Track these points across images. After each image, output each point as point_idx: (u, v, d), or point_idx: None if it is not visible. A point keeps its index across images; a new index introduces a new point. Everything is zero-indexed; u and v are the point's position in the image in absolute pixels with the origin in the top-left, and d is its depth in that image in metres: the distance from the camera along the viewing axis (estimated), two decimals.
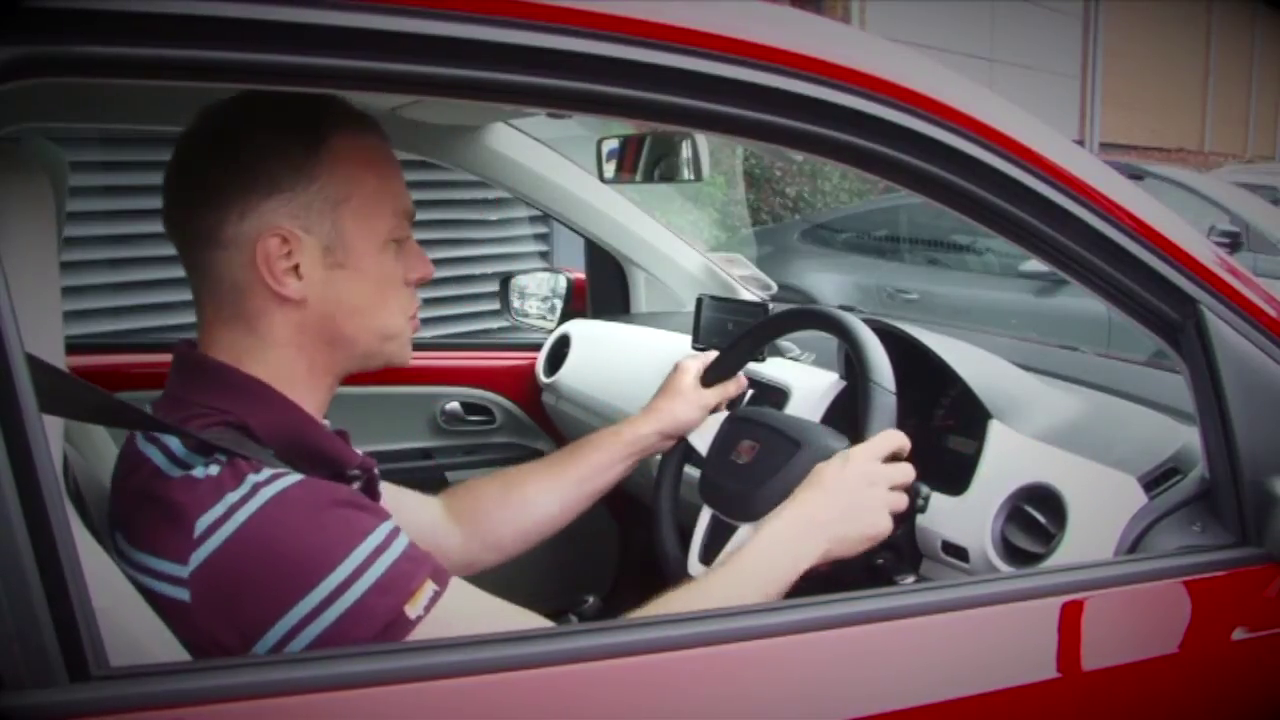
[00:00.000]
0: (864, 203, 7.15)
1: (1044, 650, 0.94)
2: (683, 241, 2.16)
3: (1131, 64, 13.72)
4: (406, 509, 1.16)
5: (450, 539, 1.29)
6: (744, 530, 1.21)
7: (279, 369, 0.96)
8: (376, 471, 1.06)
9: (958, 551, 1.21)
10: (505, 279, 2.30)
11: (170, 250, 0.98)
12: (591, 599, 1.24)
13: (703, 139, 1.76)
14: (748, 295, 2.08)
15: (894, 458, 1.13)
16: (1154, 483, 1.11)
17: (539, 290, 2.26)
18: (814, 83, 0.84)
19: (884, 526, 1.09)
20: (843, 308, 1.43)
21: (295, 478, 0.86)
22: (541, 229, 5.00)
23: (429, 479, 1.96)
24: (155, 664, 0.75)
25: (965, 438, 1.41)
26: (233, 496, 0.84)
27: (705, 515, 1.32)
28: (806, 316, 1.49)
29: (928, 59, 0.94)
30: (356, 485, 1.00)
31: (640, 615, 0.97)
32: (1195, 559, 1.01)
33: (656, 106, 0.82)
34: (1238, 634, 1.01)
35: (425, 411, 2.05)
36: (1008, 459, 1.23)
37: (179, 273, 0.97)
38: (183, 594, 0.82)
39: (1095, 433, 1.25)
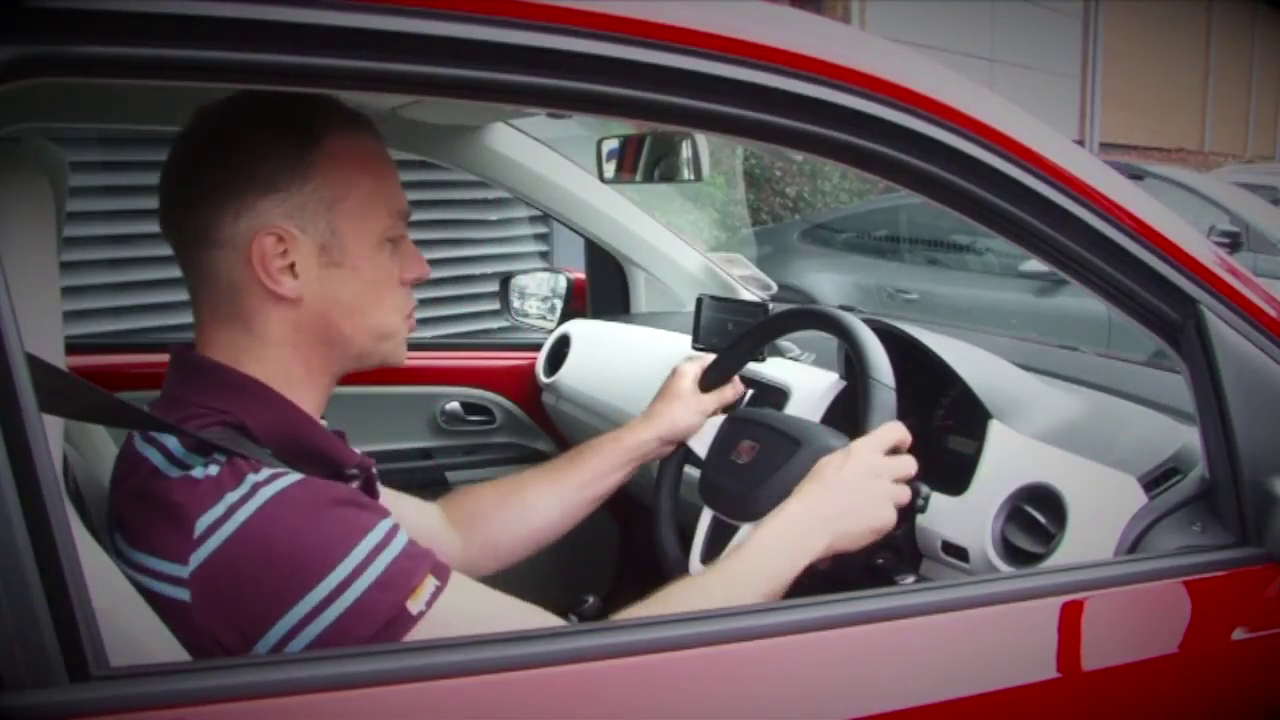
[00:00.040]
0: (864, 203, 7.14)
1: (1044, 650, 0.94)
2: (683, 241, 2.16)
3: (1131, 64, 13.72)
4: (406, 514, 1.16)
5: (450, 545, 1.29)
6: (745, 530, 1.21)
7: (276, 368, 0.96)
8: (374, 471, 1.06)
9: (958, 551, 1.20)
10: (505, 279, 2.29)
11: (170, 250, 0.98)
12: (591, 599, 1.24)
13: (703, 139, 1.76)
14: (748, 295, 2.08)
15: (895, 451, 1.12)
16: (1154, 483, 1.11)
17: (539, 290, 2.26)
18: (814, 83, 0.84)
19: (888, 519, 1.09)
20: (843, 308, 1.43)
21: (295, 477, 0.86)
22: (541, 229, 5.00)
23: (429, 479, 1.96)
24: (155, 664, 0.75)
25: (965, 438, 1.40)
26: (232, 496, 0.84)
27: (706, 516, 1.32)
28: (806, 316, 1.49)
29: (928, 59, 0.94)
30: (355, 484, 1.00)
31: (639, 611, 0.97)
32: (1195, 559, 1.01)
33: (656, 106, 0.82)
34: (1238, 634, 1.01)
35: (425, 411, 2.04)
36: (1008, 459, 1.23)
37: (178, 273, 0.97)
38: (183, 594, 0.82)
39: (1095, 433, 1.25)
